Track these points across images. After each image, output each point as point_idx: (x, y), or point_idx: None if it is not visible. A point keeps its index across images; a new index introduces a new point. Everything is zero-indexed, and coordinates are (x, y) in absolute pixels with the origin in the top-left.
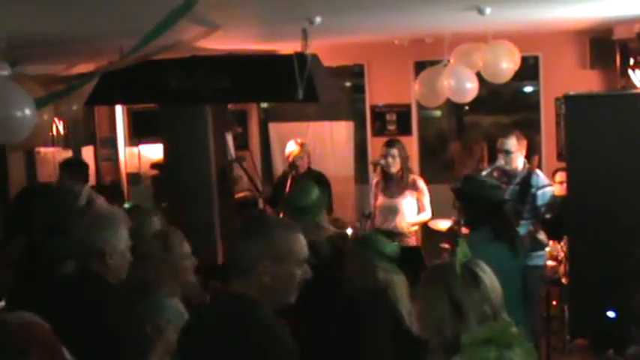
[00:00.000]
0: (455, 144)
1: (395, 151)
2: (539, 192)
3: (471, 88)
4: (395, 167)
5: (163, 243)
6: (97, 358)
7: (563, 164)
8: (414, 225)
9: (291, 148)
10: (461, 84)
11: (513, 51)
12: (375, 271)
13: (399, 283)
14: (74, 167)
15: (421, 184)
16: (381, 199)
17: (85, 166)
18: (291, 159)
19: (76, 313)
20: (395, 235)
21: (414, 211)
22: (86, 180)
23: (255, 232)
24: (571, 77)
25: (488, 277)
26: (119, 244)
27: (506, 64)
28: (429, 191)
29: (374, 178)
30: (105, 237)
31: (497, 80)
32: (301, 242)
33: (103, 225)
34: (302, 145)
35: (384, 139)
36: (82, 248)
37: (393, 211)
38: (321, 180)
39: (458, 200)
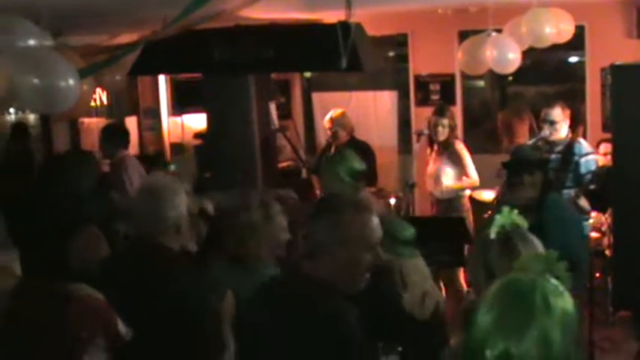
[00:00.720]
0: (504, 113)
1: (445, 121)
2: (583, 160)
3: (513, 59)
4: (442, 136)
5: (265, 212)
6: (166, 328)
7: (608, 135)
8: (458, 189)
9: (325, 119)
10: (503, 55)
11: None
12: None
13: (409, 269)
14: (112, 133)
15: (464, 152)
16: (430, 167)
17: (125, 132)
18: (328, 130)
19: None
20: (442, 201)
21: (456, 178)
22: (126, 146)
23: (324, 215)
24: (617, 47)
25: (530, 246)
26: (173, 213)
27: (553, 29)
28: (473, 161)
29: (418, 147)
30: (149, 209)
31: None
32: (372, 225)
33: (146, 197)
34: (333, 119)
35: (427, 109)
36: (140, 219)
37: (438, 177)
38: (365, 150)
39: (537, 170)
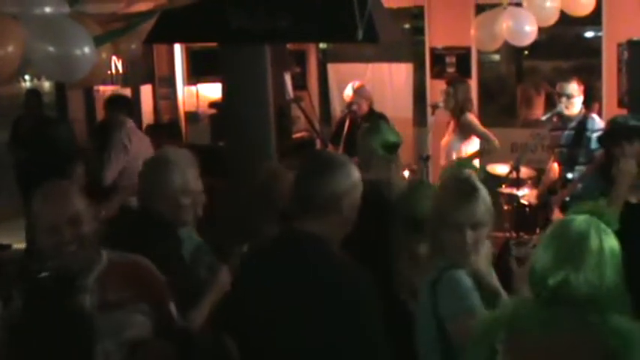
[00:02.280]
0: (523, 86)
1: (450, 90)
2: (594, 135)
3: (530, 31)
4: (448, 105)
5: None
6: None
7: (624, 111)
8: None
9: (347, 92)
10: (519, 26)
11: None
12: None
13: None
14: (116, 103)
15: (474, 120)
16: (444, 140)
17: (127, 101)
18: (350, 102)
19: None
20: None
21: (463, 150)
22: (129, 114)
23: (335, 169)
24: (635, 22)
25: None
26: (167, 188)
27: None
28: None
29: (433, 119)
30: (151, 180)
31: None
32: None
33: (152, 168)
34: (357, 91)
35: (442, 82)
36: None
37: (449, 150)
38: None
39: (636, 139)
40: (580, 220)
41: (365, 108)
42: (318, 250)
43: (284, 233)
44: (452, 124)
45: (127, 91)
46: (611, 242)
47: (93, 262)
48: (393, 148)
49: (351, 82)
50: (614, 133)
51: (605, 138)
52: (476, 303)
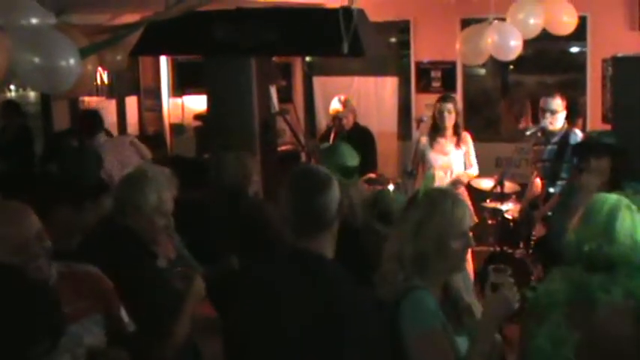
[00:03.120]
0: (503, 102)
1: (450, 106)
2: None
3: (515, 46)
4: (450, 121)
5: None
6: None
7: (608, 127)
8: (462, 180)
9: (335, 106)
10: (504, 41)
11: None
12: None
13: None
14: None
15: (469, 139)
16: (432, 157)
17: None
18: (338, 115)
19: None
20: None
21: (462, 166)
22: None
23: (329, 186)
24: (619, 38)
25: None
26: (143, 206)
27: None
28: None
29: (419, 134)
30: (130, 196)
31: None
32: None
33: (130, 182)
34: (345, 103)
35: (428, 96)
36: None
37: (444, 166)
38: (366, 136)
39: (604, 155)
40: (612, 197)
41: (351, 121)
42: (329, 272)
43: (292, 255)
44: (447, 140)
45: (112, 103)
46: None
47: (47, 277)
48: (348, 171)
49: (336, 95)
50: (584, 148)
51: (575, 152)
52: (438, 324)
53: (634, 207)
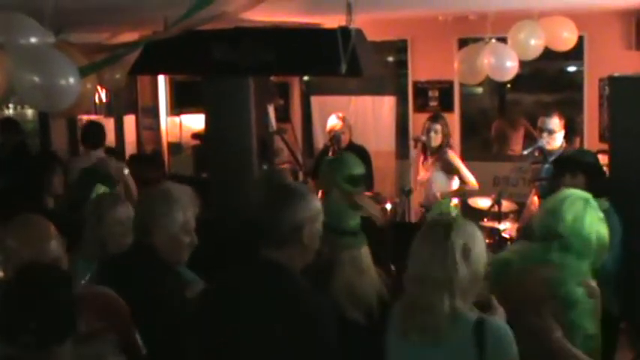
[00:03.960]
0: (498, 121)
1: (438, 127)
2: None
3: (511, 67)
4: (436, 142)
5: None
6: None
7: (604, 146)
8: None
9: (333, 122)
10: (501, 62)
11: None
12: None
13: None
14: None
15: (455, 158)
16: (420, 174)
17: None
18: (332, 133)
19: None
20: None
21: (446, 185)
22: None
23: (295, 199)
24: (616, 58)
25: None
26: (170, 225)
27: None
28: (469, 168)
29: (416, 153)
30: (154, 215)
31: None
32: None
33: (155, 202)
34: (343, 120)
35: (425, 115)
36: (137, 224)
37: (429, 185)
38: (362, 154)
39: (579, 172)
40: (571, 190)
41: (347, 139)
42: (278, 278)
43: (248, 262)
44: (430, 160)
45: (111, 121)
46: (595, 212)
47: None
48: (355, 180)
49: (333, 114)
50: (560, 164)
51: (554, 168)
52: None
53: (593, 203)
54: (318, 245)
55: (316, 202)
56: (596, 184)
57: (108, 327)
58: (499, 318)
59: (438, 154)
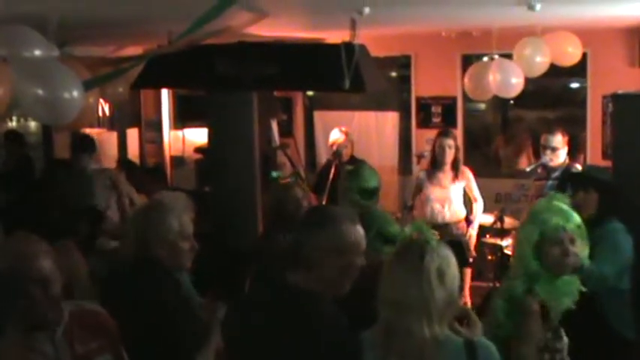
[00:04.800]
0: (501, 138)
1: (451, 142)
2: None
3: (516, 83)
4: (450, 157)
5: None
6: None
7: (608, 163)
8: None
9: (336, 136)
10: (506, 78)
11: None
12: None
13: None
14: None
15: (470, 174)
16: (430, 190)
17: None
18: (335, 147)
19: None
20: (444, 226)
21: (460, 199)
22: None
23: (322, 226)
24: (619, 75)
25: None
26: (166, 234)
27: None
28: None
29: (419, 169)
30: (149, 226)
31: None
32: (362, 232)
33: (150, 213)
34: (346, 134)
35: (428, 131)
36: (136, 237)
37: (441, 199)
38: None
39: (592, 189)
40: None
41: (349, 154)
42: (300, 303)
43: (271, 285)
44: (451, 175)
45: (114, 134)
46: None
47: (59, 320)
48: (369, 193)
49: (336, 128)
50: (575, 180)
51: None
52: None
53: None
54: (354, 276)
55: (353, 231)
56: (608, 201)
57: (102, 346)
58: (479, 332)
59: (457, 170)
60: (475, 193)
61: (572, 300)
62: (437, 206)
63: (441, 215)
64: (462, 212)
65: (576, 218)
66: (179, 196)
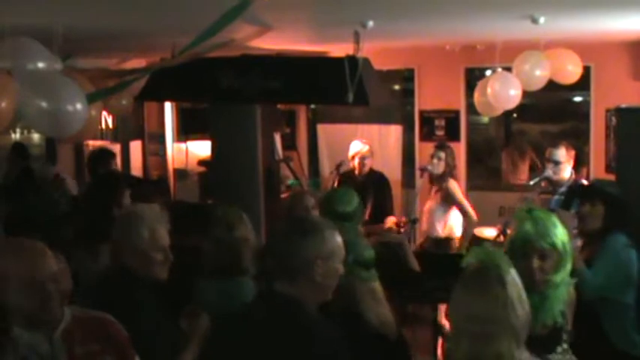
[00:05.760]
0: (504, 151)
1: (442, 154)
2: None
3: (514, 95)
4: (438, 169)
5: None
6: None
7: (611, 176)
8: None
9: (358, 147)
10: (504, 90)
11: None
12: None
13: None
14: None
15: (456, 188)
16: (427, 204)
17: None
18: (358, 158)
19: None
20: (440, 240)
21: (443, 216)
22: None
23: (307, 233)
24: (623, 89)
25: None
26: (139, 244)
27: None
28: (476, 198)
29: (422, 183)
30: (123, 235)
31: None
32: (341, 240)
33: (122, 223)
34: (369, 145)
35: (431, 145)
36: (113, 246)
37: (431, 215)
38: (382, 181)
39: (599, 202)
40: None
41: (370, 164)
42: (288, 312)
43: (259, 294)
44: (434, 189)
45: (117, 147)
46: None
47: (59, 319)
48: (342, 217)
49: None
50: (583, 192)
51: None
52: None
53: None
54: (336, 282)
55: (334, 238)
56: (614, 215)
57: (103, 350)
58: None
59: (440, 184)
60: (464, 206)
61: (550, 318)
62: (430, 219)
63: (435, 229)
64: (457, 227)
65: (556, 236)
66: (152, 207)
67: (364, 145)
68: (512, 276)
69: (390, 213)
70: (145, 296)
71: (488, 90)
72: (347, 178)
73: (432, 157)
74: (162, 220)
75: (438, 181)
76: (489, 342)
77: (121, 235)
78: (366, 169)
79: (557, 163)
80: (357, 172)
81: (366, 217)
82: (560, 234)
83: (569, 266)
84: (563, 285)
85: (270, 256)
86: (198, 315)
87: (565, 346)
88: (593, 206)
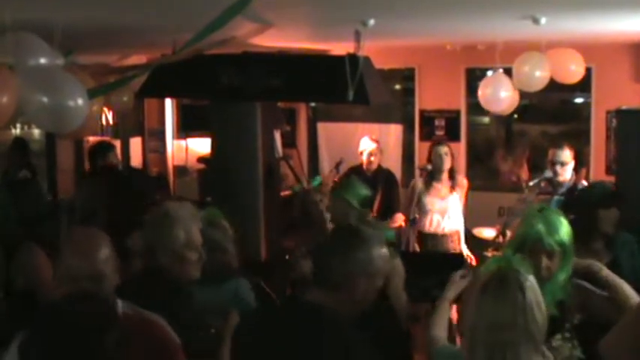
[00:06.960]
0: (504, 151)
1: (446, 149)
2: None
3: (505, 97)
4: (447, 165)
5: None
6: None
7: (611, 178)
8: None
9: (367, 144)
10: (495, 92)
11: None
12: None
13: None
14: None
15: (464, 182)
16: (428, 201)
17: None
18: (366, 154)
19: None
20: (441, 237)
21: (458, 210)
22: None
23: (356, 249)
24: (624, 90)
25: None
26: (175, 245)
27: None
28: (475, 198)
29: (414, 180)
30: (156, 236)
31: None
32: (387, 254)
33: (156, 223)
34: (377, 142)
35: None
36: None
37: (441, 210)
38: (390, 178)
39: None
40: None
41: (378, 161)
42: (317, 319)
43: (288, 302)
44: (448, 184)
45: (117, 143)
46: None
47: (110, 318)
48: (365, 200)
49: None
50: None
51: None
52: None
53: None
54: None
55: (381, 255)
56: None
57: (151, 356)
58: None
59: (454, 179)
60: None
61: None
62: (437, 217)
63: (441, 227)
64: (459, 223)
65: (564, 235)
66: (186, 206)
67: (373, 142)
68: (531, 282)
69: (398, 210)
70: (181, 297)
71: (479, 92)
72: (355, 174)
73: (439, 154)
74: (196, 218)
75: (452, 176)
76: (507, 350)
77: (155, 235)
78: (374, 165)
79: (562, 164)
80: (365, 168)
81: (374, 213)
82: (567, 232)
83: (571, 263)
84: (559, 276)
85: (313, 265)
86: (228, 313)
87: (567, 334)
88: (607, 209)
